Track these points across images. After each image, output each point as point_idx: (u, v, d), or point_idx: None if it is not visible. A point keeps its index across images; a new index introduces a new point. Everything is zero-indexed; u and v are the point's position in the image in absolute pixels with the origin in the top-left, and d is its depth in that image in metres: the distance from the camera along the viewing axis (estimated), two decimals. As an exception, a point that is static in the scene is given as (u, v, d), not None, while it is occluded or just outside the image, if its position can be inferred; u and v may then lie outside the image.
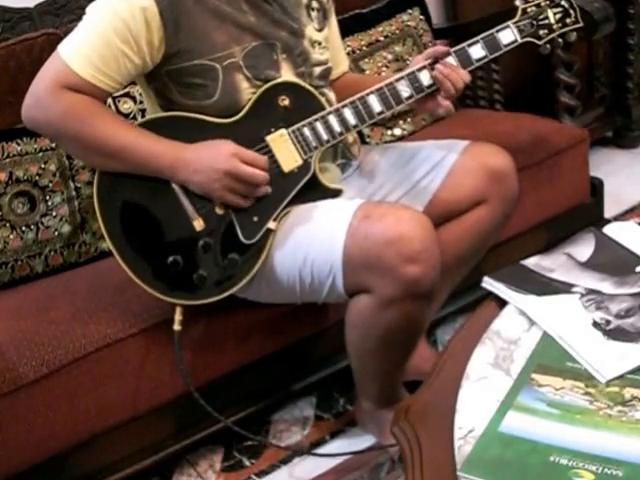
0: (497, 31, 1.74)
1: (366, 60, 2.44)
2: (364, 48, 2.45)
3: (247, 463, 1.93)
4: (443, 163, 1.80)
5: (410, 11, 2.56)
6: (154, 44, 1.58)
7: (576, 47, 2.48)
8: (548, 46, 1.78)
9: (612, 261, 1.42)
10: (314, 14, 1.80)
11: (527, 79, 2.77)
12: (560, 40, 1.79)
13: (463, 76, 1.70)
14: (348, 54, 2.40)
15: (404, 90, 1.70)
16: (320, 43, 1.79)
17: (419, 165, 1.82)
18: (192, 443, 1.90)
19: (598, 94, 3.11)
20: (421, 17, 2.57)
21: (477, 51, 1.73)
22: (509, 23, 1.75)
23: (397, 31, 2.52)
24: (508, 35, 1.74)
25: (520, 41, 1.75)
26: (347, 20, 2.46)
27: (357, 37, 2.46)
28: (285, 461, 1.91)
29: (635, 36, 3.02)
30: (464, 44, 1.73)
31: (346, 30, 2.42)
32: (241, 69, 1.64)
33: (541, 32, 1.76)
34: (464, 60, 1.72)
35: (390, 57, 2.47)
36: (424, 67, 1.70)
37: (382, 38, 2.49)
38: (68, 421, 1.70)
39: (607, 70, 3.10)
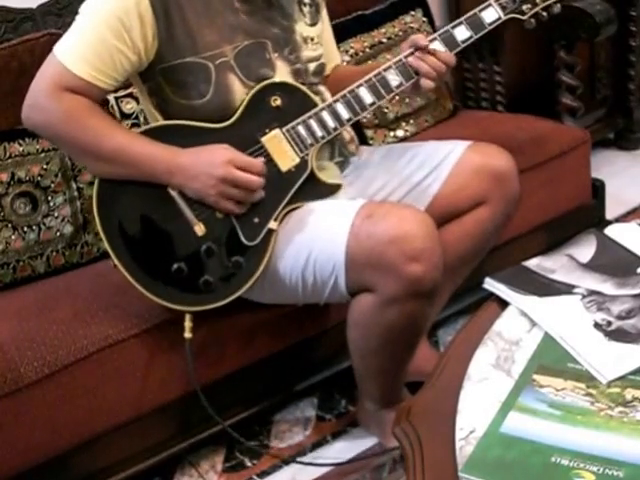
0: (480, 10, 1.73)
1: (369, 62, 2.44)
2: (367, 50, 2.45)
3: (249, 464, 1.93)
4: (445, 163, 1.80)
5: (413, 12, 2.56)
6: (148, 39, 1.58)
7: (578, 49, 2.48)
8: (533, 21, 1.76)
9: (613, 262, 1.42)
10: (306, 9, 1.81)
11: (529, 80, 2.77)
12: (544, 14, 1.77)
13: (445, 59, 1.69)
14: (351, 56, 2.41)
15: (393, 79, 1.70)
16: (313, 39, 1.80)
17: (421, 166, 1.82)
18: (194, 444, 1.90)
19: (600, 96, 3.11)
20: (424, 19, 2.57)
21: (462, 32, 1.72)
22: (491, 1, 1.73)
23: (400, 33, 2.52)
24: (491, 13, 1.73)
25: (504, 18, 1.74)
26: (349, 22, 2.46)
27: (360, 39, 2.46)
28: (287, 461, 1.91)
29: (637, 38, 3.03)
30: (448, 26, 1.72)
31: (349, 32, 2.43)
32: (233, 69, 1.65)
33: (524, 7, 1.74)
34: (450, 43, 1.71)
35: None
36: (412, 54, 1.70)
37: (385, 40, 2.49)
38: (69, 422, 1.70)
39: (609, 72, 3.10)
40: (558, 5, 1.77)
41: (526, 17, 1.75)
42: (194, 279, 1.65)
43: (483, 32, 1.74)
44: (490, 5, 1.73)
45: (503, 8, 1.74)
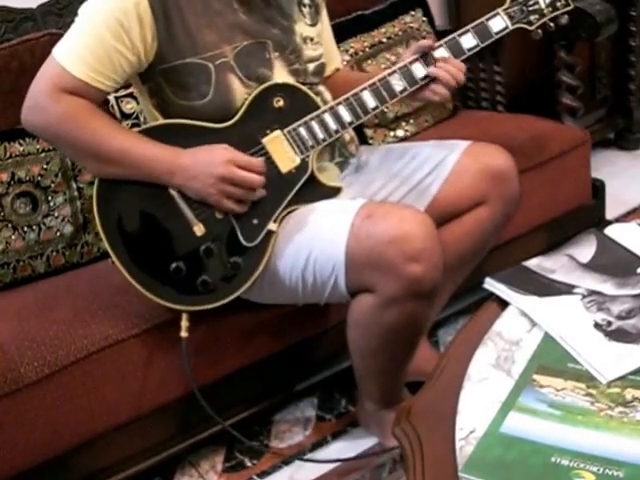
0: (487, 19, 1.74)
1: (369, 62, 2.44)
2: (367, 50, 2.45)
3: (248, 464, 1.93)
4: (444, 163, 1.81)
5: (413, 13, 2.56)
6: (147, 40, 1.58)
7: (578, 49, 2.48)
8: (540, 31, 1.77)
9: (613, 262, 1.42)
10: (306, 10, 1.81)
11: (529, 80, 2.77)
12: (552, 24, 1.78)
13: (460, 66, 1.70)
14: (351, 56, 2.41)
15: (397, 84, 1.70)
16: (312, 39, 1.80)
17: (420, 165, 1.82)
18: (194, 444, 1.90)
19: (600, 96, 3.11)
20: (424, 19, 2.57)
21: (468, 40, 1.72)
22: (499, 10, 1.74)
23: (400, 33, 2.52)
24: (498, 22, 1.74)
25: (511, 27, 1.75)
26: (350, 22, 2.46)
27: (360, 39, 2.46)
28: (287, 462, 1.91)
29: (637, 38, 3.03)
30: (454, 34, 1.72)
31: (349, 32, 2.42)
32: (233, 69, 1.64)
33: (532, 17, 1.76)
34: (456, 50, 1.71)
35: (393, 59, 2.46)
36: (416, 59, 1.70)
37: (385, 40, 2.49)
38: (69, 421, 1.70)
39: (609, 72, 3.11)
40: (566, 16, 1.77)
41: (533, 27, 1.76)
42: (192, 279, 1.65)
43: (490, 41, 1.74)
44: (498, 14, 1.74)
45: (511, 18, 1.74)
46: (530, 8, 1.75)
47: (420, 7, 2.58)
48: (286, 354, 1.91)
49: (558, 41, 2.43)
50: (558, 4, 1.77)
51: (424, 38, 2.52)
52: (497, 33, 1.74)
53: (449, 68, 1.68)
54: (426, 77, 1.70)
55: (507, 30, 1.74)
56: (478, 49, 1.74)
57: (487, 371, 1.20)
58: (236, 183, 1.60)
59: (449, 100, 1.71)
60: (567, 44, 2.42)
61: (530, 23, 1.76)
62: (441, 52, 1.70)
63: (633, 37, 3.02)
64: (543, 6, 1.76)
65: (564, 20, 1.78)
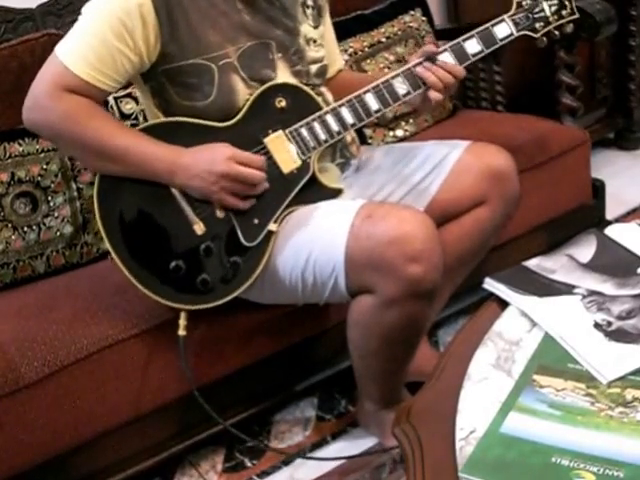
0: (492, 25, 1.73)
1: (368, 61, 2.44)
2: (366, 49, 2.45)
3: (248, 464, 1.93)
4: (444, 163, 1.81)
5: (412, 12, 2.56)
6: (150, 41, 1.58)
7: (578, 48, 2.48)
8: (545, 39, 1.77)
9: (613, 262, 1.42)
10: (309, 11, 1.81)
11: (529, 80, 2.77)
12: (557, 32, 1.78)
13: (454, 71, 1.69)
14: (350, 55, 2.41)
15: (400, 87, 1.70)
16: (315, 41, 1.80)
17: (420, 166, 1.82)
18: (194, 444, 1.90)
19: (600, 95, 3.11)
20: (423, 18, 2.57)
21: (473, 46, 1.72)
22: (504, 17, 1.74)
23: (399, 32, 2.52)
24: (504, 29, 1.74)
25: (516, 34, 1.75)
26: (349, 21, 2.46)
27: (359, 38, 2.46)
28: (287, 462, 1.91)
29: (637, 37, 3.02)
30: (459, 39, 1.72)
31: (348, 31, 2.42)
32: (237, 70, 1.64)
33: (537, 25, 1.76)
34: (460, 55, 1.71)
35: (392, 58, 2.47)
36: (420, 63, 1.70)
37: (384, 39, 2.49)
38: (69, 422, 1.70)
39: (609, 71, 3.11)
40: (571, 25, 1.77)
41: (538, 35, 1.76)
42: (192, 277, 1.65)
43: (494, 47, 1.74)
44: (503, 20, 1.74)
45: (516, 24, 1.74)
46: (536, 15, 1.75)
47: (419, 7, 2.58)
48: (286, 354, 1.91)
49: (558, 41, 2.43)
50: (564, 12, 1.77)
51: (423, 38, 2.53)
52: (502, 39, 1.74)
53: (436, 70, 1.68)
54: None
55: (512, 37, 1.74)
56: (483, 55, 1.73)
57: (487, 371, 1.20)
58: (238, 179, 1.60)
59: (440, 100, 1.70)
60: (567, 44, 2.42)
61: (535, 30, 1.75)
62: (445, 57, 1.70)
63: (633, 37, 3.02)
64: (549, 14, 1.75)
65: (569, 29, 1.77)
